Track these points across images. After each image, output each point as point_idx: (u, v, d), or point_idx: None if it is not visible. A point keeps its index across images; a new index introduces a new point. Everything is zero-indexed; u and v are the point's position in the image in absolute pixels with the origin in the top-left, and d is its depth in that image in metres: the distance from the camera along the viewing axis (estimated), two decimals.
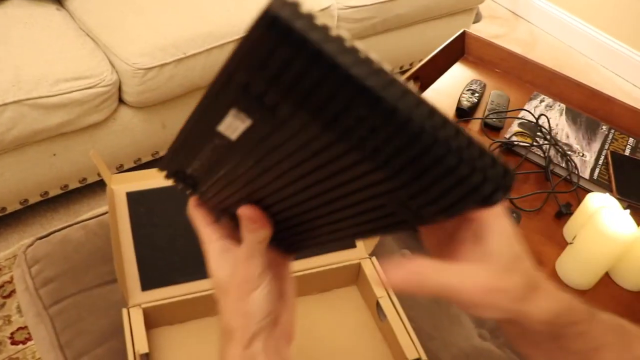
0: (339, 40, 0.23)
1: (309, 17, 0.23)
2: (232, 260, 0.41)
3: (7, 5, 1.53)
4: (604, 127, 1.22)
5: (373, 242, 0.72)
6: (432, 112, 0.26)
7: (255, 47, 0.24)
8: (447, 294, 0.34)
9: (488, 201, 0.29)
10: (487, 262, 0.34)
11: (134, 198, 0.70)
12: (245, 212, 0.38)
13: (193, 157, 0.38)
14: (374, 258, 0.73)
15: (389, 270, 0.34)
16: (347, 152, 0.27)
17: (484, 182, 0.28)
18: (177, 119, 1.60)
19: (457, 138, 0.26)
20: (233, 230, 0.43)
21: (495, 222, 0.35)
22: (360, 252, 0.73)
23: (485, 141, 1.08)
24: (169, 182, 0.73)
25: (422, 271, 0.33)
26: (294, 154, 0.29)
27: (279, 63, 0.24)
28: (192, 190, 0.43)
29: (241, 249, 0.39)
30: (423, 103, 0.25)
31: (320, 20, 0.23)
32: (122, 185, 0.72)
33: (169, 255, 0.67)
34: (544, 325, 0.38)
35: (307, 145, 0.28)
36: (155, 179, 0.73)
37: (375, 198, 0.30)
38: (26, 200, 1.48)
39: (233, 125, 0.30)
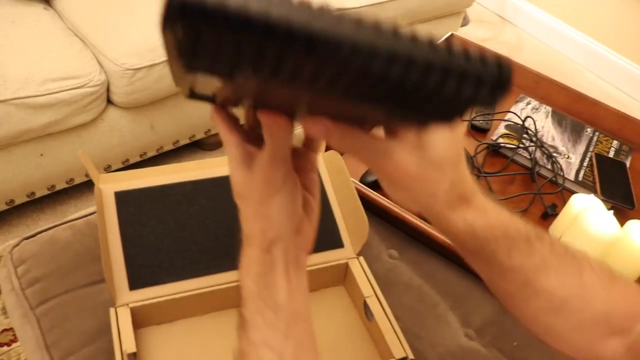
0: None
1: None
2: (253, 163, 0.39)
3: None
4: (588, 129, 1.23)
5: (360, 242, 0.73)
6: (394, 33, 0.27)
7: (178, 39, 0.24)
8: (368, 165, 0.39)
9: (491, 101, 0.29)
10: (420, 150, 0.36)
11: (122, 197, 0.70)
12: (265, 117, 0.36)
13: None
14: (361, 258, 0.74)
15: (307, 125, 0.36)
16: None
17: (479, 86, 0.28)
18: (165, 119, 1.59)
19: (435, 53, 0.27)
20: (256, 133, 0.41)
21: (448, 132, 0.37)
22: (347, 252, 0.73)
23: (472, 142, 1.09)
24: (158, 182, 0.73)
25: (333, 134, 0.36)
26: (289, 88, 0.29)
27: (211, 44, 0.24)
28: (212, 102, 0.41)
29: (263, 152, 0.38)
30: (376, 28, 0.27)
31: None
32: (110, 185, 0.72)
33: (157, 255, 0.67)
34: (467, 236, 0.41)
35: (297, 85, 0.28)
36: (143, 179, 0.73)
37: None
38: (12, 201, 1.47)
39: (208, 83, 0.31)
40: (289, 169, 0.39)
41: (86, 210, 1.59)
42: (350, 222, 0.75)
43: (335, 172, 0.77)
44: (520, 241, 0.42)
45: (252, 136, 0.41)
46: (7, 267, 0.86)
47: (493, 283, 0.46)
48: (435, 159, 0.37)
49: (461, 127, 0.38)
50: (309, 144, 0.43)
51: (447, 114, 0.31)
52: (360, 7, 1.86)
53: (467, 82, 0.27)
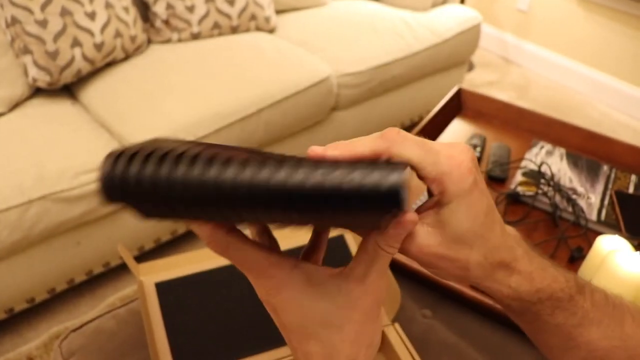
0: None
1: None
2: (335, 286, 0.34)
3: (26, 105, 1.62)
4: (605, 167, 1.25)
5: (394, 309, 0.75)
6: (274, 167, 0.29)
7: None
8: (400, 251, 0.36)
9: (392, 205, 0.28)
10: (442, 229, 0.36)
11: (163, 288, 0.74)
12: (411, 217, 0.32)
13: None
14: (397, 324, 0.76)
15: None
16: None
17: (365, 198, 0.28)
18: None
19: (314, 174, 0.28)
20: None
21: (457, 194, 0.35)
22: (382, 320, 0.76)
23: (491, 193, 1.11)
24: (195, 269, 0.77)
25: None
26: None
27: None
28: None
29: (369, 269, 0.34)
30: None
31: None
32: (150, 276, 0.76)
33: (201, 341, 0.71)
34: (511, 300, 0.40)
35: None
36: (181, 267, 0.77)
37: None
38: (53, 289, 1.52)
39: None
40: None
41: (124, 292, 1.64)
42: None
43: None
44: (564, 301, 0.41)
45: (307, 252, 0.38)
46: None
47: (536, 337, 0.46)
48: (458, 234, 0.36)
49: (478, 191, 0.36)
50: (317, 260, 0.41)
51: (365, 224, 0.33)
52: (368, 69, 1.93)
53: (354, 199, 0.28)
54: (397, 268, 0.86)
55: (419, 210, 0.37)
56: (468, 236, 0.36)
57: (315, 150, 0.33)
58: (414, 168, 0.34)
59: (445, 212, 0.35)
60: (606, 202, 1.14)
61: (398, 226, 0.32)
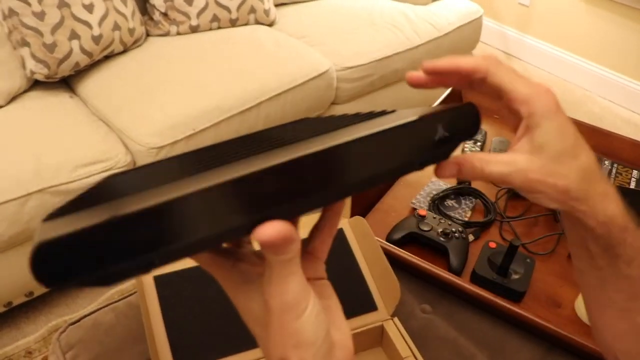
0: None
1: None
2: (260, 286, 0.33)
3: (24, 97, 1.61)
4: (606, 162, 1.25)
5: (393, 303, 0.75)
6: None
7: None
8: (498, 180, 0.38)
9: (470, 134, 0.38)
10: (536, 153, 0.38)
11: (161, 281, 0.74)
12: (270, 235, 0.28)
13: None
14: (396, 319, 0.76)
15: (438, 170, 0.38)
16: None
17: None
18: None
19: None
20: (243, 249, 0.37)
21: (547, 116, 0.38)
22: (381, 314, 0.75)
23: (491, 188, 1.11)
24: (194, 263, 0.77)
25: (467, 163, 0.38)
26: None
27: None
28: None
29: (270, 273, 0.32)
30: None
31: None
32: None
33: (200, 334, 0.70)
34: (603, 232, 0.40)
35: None
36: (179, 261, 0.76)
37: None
38: None
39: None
40: (305, 282, 0.33)
41: (122, 285, 1.64)
42: (382, 284, 0.77)
43: (361, 236, 0.79)
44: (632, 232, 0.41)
45: (238, 255, 0.36)
46: (56, 353, 0.89)
47: (596, 290, 0.46)
48: (554, 154, 0.37)
49: (564, 115, 0.39)
50: (314, 252, 0.38)
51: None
52: (368, 63, 1.92)
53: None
54: (397, 263, 0.86)
55: (512, 145, 0.40)
56: (564, 156, 0.38)
57: (414, 72, 0.40)
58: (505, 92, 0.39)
59: (538, 133, 0.38)
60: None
61: (271, 242, 0.29)
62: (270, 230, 0.28)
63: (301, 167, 0.28)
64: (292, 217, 0.29)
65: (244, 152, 0.31)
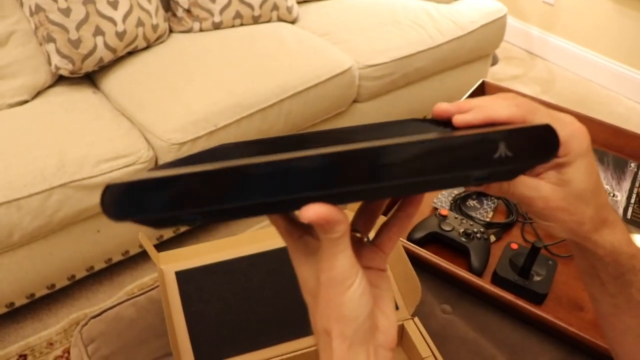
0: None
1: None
2: (316, 259, 0.37)
3: (49, 93, 1.64)
4: (632, 164, 1.22)
5: (414, 303, 0.75)
6: None
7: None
8: (521, 201, 0.41)
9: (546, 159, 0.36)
10: (561, 186, 0.40)
11: (183, 277, 0.74)
12: (316, 214, 0.31)
13: None
14: (416, 319, 0.75)
15: None
16: None
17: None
18: None
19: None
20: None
21: (581, 155, 0.40)
22: (402, 313, 0.75)
23: None
24: (215, 259, 0.77)
25: (493, 185, 0.40)
26: None
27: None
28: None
29: (322, 249, 0.35)
30: None
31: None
32: (170, 265, 0.76)
33: (220, 330, 0.71)
34: (608, 257, 0.43)
35: None
36: (201, 256, 0.77)
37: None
38: (73, 276, 1.54)
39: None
40: (354, 259, 0.36)
41: (143, 280, 1.66)
42: (403, 284, 0.77)
43: None
44: None
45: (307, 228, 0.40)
46: (78, 346, 0.90)
47: (612, 316, 0.48)
48: (578, 191, 0.40)
49: (592, 154, 0.41)
50: (380, 246, 0.41)
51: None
52: (390, 61, 1.91)
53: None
54: (418, 263, 0.85)
55: (539, 171, 0.41)
56: (586, 193, 0.40)
57: (449, 109, 0.40)
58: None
59: (569, 170, 0.39)
60: (633, 200, 1.12)
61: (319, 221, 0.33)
62: (312, 211, 0.31)
63: (361, 159, 0.31)
64: (340, 203, 0.32)
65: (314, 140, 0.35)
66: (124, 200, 0.29)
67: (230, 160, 0.31)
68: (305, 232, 0.39)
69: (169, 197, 0.29)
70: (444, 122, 0.42)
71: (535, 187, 0.40)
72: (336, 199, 0.32)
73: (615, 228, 0.43)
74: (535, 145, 0.35)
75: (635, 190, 1.14)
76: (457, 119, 0.39)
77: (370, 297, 0.37)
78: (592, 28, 2.85)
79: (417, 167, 0.32)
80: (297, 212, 0.33)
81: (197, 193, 0.29)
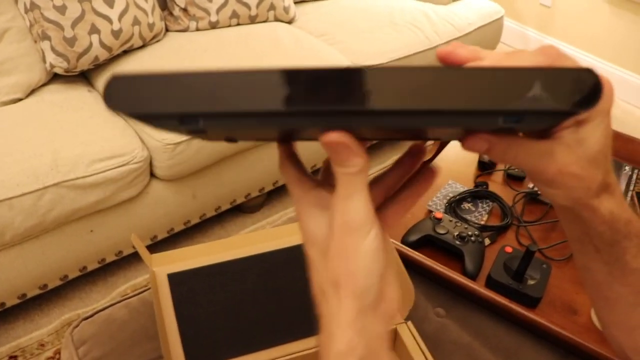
0: None
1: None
2: (328, 208, 0.34)
3: (43, 91, 1.62)
4: (627, 168, 1.22)
5: (407, 307, 0.74)
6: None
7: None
8: (529, 168, 0.37)
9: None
10: (579, 147, 0.36)
11: (175, 279, 0.74)
12: (330, 138, 0.30)
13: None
14: (409, 323, 0.75)
15: (467, 141, 0.35)
16: None
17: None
18: (206, 188, 1.64)
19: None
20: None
21: (602, 113, 0.36)
22: (395, 317, 0.75)
23: (509, 192, 1.10)
24: (207, 261, 0.76)
25: (501, 144, 0.35)
26: None
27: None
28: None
29: (337, 190, 0.33)
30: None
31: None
32: (163, 267, 0.75)
33: (212, 333, 0.70)
34: (605, 225, 0.40)
35: None
36: (194, 258, 0.76)
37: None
38: (66, 276, 1.53)
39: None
40: (371, 205, 0.33)
41: (136, 282, 1.65)
42: None
43: None
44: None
45: (324, 180, 0.38)
46: (68, 348, 0.89)
47: (603, 285, 0.46)
48: (593, 154, 0.36)
49: (610, 122, 0.37)
50: (384, 217, 0.38)
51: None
52: (389, 62, 1.91)
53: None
54: (412, 266, 0.85)
55: (555, 130, 0.36)
56: (600, 156, 0.37)
57: (461, 53, 0.34)
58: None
59: (586, 129, 0.36)
60: (627, 203, 1.12)
61: (333, 147, 0.31)
62: (334, 135, 0.30)
63: (384, 77, 0.28)
64: (358, 128, 0.31)
65: None
66: (131, 91, 0.28)
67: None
68: (317, 184, 0.37)
69: (177, 92, 0.28)
70: None
71: (549, 152, 0.36)
72: (354, 122, 0.30)
73: (614, 193, 0.40)
74: (575, 88, 0.29)
75: (629, 194, 1.14)
76: (481, 63, 0.34)
77: (384, 256, 0.33)
78: (589, 30, 2.85)
79: (445, 94, 0.28)
80: (319, 137, 0.31)
81: (205, 92, 0.28)
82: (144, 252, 0.73)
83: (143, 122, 0.30)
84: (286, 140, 0.39)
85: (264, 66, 0.29)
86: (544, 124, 0.31)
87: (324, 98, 0.28)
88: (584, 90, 0.29)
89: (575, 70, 0.29)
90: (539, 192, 1.08)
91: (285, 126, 0.30)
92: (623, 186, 1.16)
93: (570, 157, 0.36)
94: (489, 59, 0.34)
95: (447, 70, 0.29)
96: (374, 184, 0.39)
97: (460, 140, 0.36)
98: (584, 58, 2.90)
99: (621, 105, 2.78)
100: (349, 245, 0.33)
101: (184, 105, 0.28)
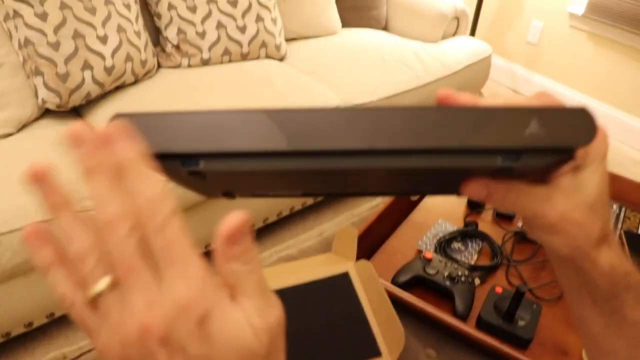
0: None
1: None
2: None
3: (34, 126, 1.63)
4: (614, 206, 1.23)
5: (397, 350, 0.74)
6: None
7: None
8: (528, 214, 0.37)
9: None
10: (577, 194, 0.36)
11: None
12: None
13: None
14: None
15: (465, 185, 0.36)
16: None
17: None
18: (193, 225, 1.64)
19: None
20: None
21: (598, 159, 0.37)
22: (385, 359, 0.74)
23: (498, 231, 1.10)
24: None
25: (500, 190, 0.36)
26: None
27: None
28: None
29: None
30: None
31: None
32: None
33: None
34: (604, 278, 0.40)
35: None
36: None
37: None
38: (52, 314, 1.51)
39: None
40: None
41: None
42: (386, 329, 0.76)
43: (367, 280, 0.78)
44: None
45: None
46: None
47: (599, 337, 0.45)
48: (592, 201, 0.37)
49: (606, 164, 0.38)
50: None
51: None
52: (376, 100, 1.93)
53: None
54: (402, 307, 0.85)
55: (555, 175, 0.37)
56: (598, 203, 0.37)
57: (458, 98, 0.34)
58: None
59: (584, 175, 0.36)
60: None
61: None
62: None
63: (388, 118, 0.29)
64: (352, 192, 0.33)
65: None
66: (133, 130, 0.28)
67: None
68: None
69: (178, 132, 0.29)
70: None
71: (549, 197, 0.36)
72: (358, 163, 0.29)
73: (612, 244, 0.40)
74: (571, 126, 0.30)
75: (618, 232, 1.15)
76: (478, 102, 0.35)
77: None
78: (574, 68, 2.91)
79: (446, 132, 0.29)
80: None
81: (206, 132, 0.28)
82: None
83: None
84: (285, 193, 0.39)
85: (265, 106, 0.29)
86: (542, 162, 0.31)
87: (326, 138, 0.28)
88: (579, 127, 0.30)
89: (571, 110, 0.30)
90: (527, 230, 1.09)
91: (286, 167, 0.30)
92: (611, 225, 1.17)
93: (570, 202, 0.36)
94: (487, 102, 0.34)
95: (448, 110, 0.30)
96: None
97: (458, 188, 0.36)
98: (568, 94, 2.95)
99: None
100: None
101: (185, 145, 0.29)
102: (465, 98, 0.35)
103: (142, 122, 0.29)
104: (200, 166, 0.29)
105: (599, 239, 0.38)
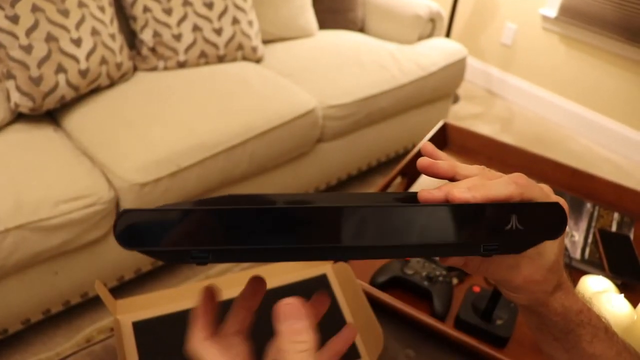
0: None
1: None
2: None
3: (7, 130, 1.60)
4: (588, 204, 1.26)
5: (376, 352, 0.74)
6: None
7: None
8: (500, 279, 0.44)
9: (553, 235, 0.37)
10: (539, 259, 0.43)
11: (140, 328, 0.72)
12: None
13: None
14: None
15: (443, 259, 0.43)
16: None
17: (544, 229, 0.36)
18: None
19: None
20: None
21: None
22: None
23: None
24: (175, 308, 0.75)
25: (472, 262, 0.44)
26: None
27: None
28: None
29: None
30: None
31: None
32: (127, 315, 0.74)
33: None
34: (558, 316, 0.46)
35: None
36: (160, 306, 0.75)
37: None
38: (28, 320, 1.48)
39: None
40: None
41: (100, 323, 1.60)
42: (364, 331, 0.76)
43: (346, 282, 0.79)
44: (601, 330, 0.47)
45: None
46: None
47: None
48: (551, 264, 0.43)
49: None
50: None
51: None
52: (353, 101, 1.94)
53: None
54: (381, 307, 0.85)
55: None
56: (555, 265, 0.43)
57: (455, 194, 0.38)
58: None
59: (545, 244, 0.42)
60: (590, 240, 1.14)
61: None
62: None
63: (379, 217, 0.33)
64: (352, 258, 0.37)
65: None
66: (139, 229, 0.30)
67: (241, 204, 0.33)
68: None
69: (183, 231, 0.30)
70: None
71: (516, 265, 0.43)
72: (346, 253, 0.35)
73: (566, 289, 0.46)
74: (545, 221, 0.36)
75: (591, 231, 1.17)
76: (455, 197, 0.37)
77: None
78: (546, 69, 2.96)
79: (436, 230, 0.33)
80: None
81: (212, 229, 0.30)
82: (107, 300, 0.71)
83: (152, 257, 0.32)
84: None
85: (272, 203, 0.33)
86: (516, 250, 0.38)
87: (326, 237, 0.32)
88: (552, 222, 0.36)
89: (546, 205, 0.36)
90: None
91: (298, 258, 0.35)
92: (585, 224, 1.19)
93: (532, 267, 0.43)
94: (464, 182, 0.39)
95: (436, 208, 0.34)
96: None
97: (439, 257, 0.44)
98: (543, 95, 3.00)
99: (579, 140, 2.86)
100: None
101: (196, 242, 0.31)
102: (444, 167, 0.41)
103: (148, 219, 0.30)
104: (209, 259, 0.32)
105: (554, 289, 0.45)
